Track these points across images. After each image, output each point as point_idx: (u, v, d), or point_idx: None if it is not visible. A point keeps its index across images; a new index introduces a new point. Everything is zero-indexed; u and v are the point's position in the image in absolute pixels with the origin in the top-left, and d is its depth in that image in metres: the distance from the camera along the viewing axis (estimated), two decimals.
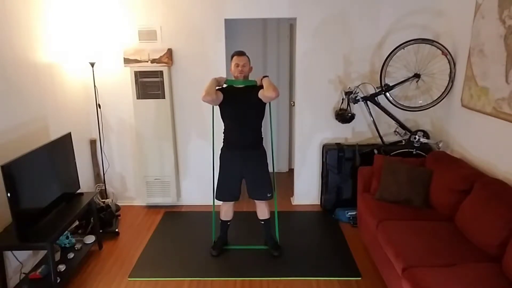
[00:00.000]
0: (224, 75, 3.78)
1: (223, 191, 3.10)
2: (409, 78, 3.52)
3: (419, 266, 2.16)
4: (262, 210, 3.18)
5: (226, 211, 3.20)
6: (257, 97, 2.86)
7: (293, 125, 4.47)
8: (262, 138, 3.06)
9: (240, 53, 2.94)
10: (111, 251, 3.25)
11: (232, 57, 2.95)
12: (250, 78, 2.98)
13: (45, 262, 2.84)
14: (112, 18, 3.67)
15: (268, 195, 3.07)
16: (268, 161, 3.09)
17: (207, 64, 3.78)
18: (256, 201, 3.14)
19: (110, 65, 3.78)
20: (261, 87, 2.82)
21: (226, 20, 3.68)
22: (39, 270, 2.70)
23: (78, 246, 3.11)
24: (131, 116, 3.89)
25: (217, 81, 2.89)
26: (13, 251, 2.66)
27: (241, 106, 2.92)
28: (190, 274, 2.89)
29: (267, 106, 3.02)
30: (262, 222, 3.22)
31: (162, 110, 3.78)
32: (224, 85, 2.98)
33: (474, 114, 3.01)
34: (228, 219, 3.24)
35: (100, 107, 3.86)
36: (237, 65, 2.90)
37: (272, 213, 3.25)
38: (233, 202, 3.18)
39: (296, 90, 3.91)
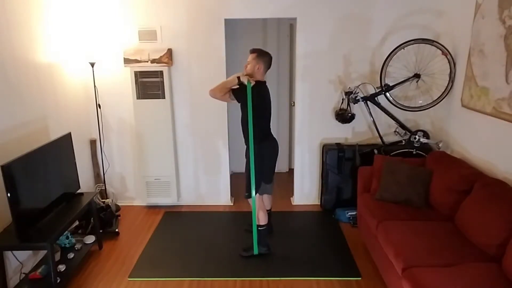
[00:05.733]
0: (224, 77, 3.79)
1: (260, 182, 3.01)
2: (409, 78, 3.52)
3: (419, 266, 2.16)
4: (254, 213, 2.98)
5: (263, 211, 3.02)
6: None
7: (293, 125, 4.47)
8: (253, 135, 2.86)
9: (251, 51, 2.89)
10: (111, 251, 3.25)
11: None
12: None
13: (45, 262, 2.84)
14: (112, 18, 3.67)
15: (245, 193, 2.99)
16: (260, 159, 2.92)
17: (207, 64, 3.78)
18: None
19: (110, 65, 3.78)
20: (254, 87, 2.79)
21: (226, 20, 3.68)
22: (39, 270, 2.70)
23: (78, 246, 3.11)
24: (131, 116, 3.89)
25: (237, 80, 2.81)
26: (13, 251, 2.66)
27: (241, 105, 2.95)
28: (190, 274, 2.90)
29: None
30: None
31: (162, 110, 3.78)
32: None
33: (474, 114, 3.00)
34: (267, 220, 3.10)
35: (100, 107, 3.86)
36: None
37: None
38: (266, 196, 3.18)
39: (296, 90, 3.91)
